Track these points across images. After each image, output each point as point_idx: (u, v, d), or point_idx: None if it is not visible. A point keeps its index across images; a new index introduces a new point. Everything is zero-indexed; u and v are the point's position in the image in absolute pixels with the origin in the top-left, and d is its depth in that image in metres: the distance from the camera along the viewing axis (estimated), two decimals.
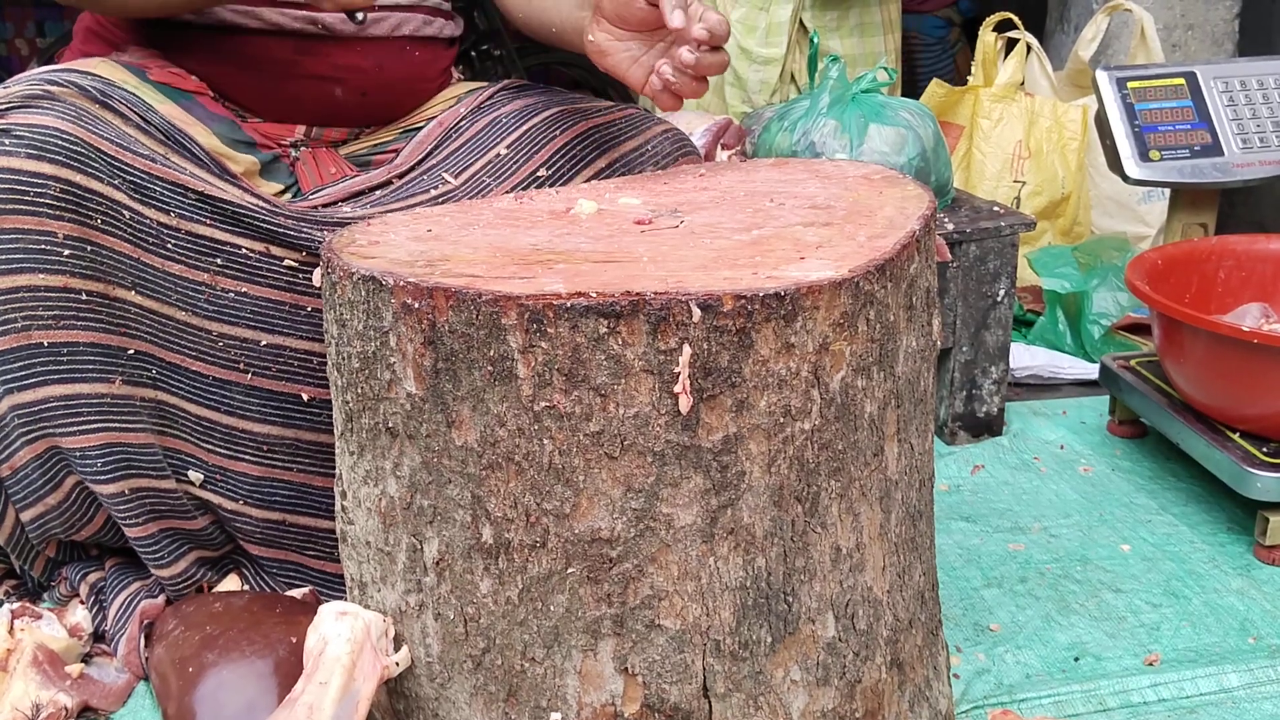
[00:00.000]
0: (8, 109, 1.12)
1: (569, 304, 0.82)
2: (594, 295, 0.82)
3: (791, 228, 1.00)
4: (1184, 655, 1.28)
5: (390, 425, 0.91)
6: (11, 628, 1.22)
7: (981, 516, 1.60)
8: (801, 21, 2.30)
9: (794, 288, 0.84)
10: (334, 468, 1.23)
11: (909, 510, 1.01)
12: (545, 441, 0.85)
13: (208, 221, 1.18)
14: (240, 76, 1.30)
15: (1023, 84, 2.49)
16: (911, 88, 3.32)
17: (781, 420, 0.86)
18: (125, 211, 1.15)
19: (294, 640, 1.13)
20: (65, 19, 3.72)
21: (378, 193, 1.32)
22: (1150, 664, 1.26)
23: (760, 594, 0.90)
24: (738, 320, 0.83)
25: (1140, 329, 2.11)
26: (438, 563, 0.92)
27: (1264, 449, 1.48)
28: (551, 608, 0.89)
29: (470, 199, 1.28)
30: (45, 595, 1.35)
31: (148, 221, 1.16)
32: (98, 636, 1.28)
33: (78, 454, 1.17)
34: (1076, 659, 1.28)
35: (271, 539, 1.28)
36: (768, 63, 2.31)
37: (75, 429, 1.16)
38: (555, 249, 0.95)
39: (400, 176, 1.34)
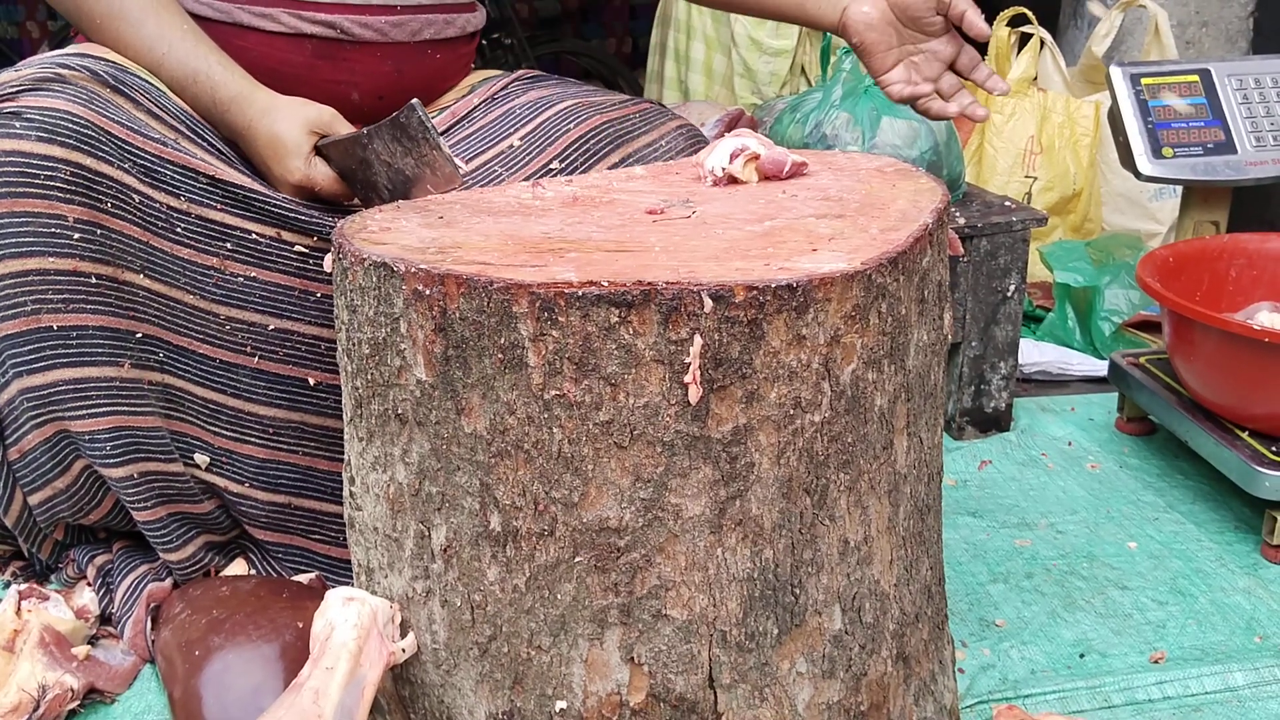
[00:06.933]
0: (19, 92, 1.12)
1: (580, 292, 0.82)
2: (606, 284, 0.82)
3: (804, 219, 0.99)
4: (1190, 653, 1.28)
5: (400, 412, 0.91)
6: (19, 609, 1.22)
7: (988, 512, 1.60)
8: None
9: (806, 279, 0.84)
10: (340, 452, 1.24)
11: (917, 504, 1.01)
12: (555, 430, 0.85)
13: (218, 206, 1.18)
14: (255, 79, 1.29)
15: (1035, 79, 2.48)
16: None
17: (791, 412, 0.86)
18: (135, 195, 1.15)
19: (300, 625, 1.13)
20: None
21: None
22: (1156, 661, 1.26)
23: (767, 585, 0.90)
24: (749, 311, 0.83)
25: (1150, 326, 2.10)
26: (445, 550, 0.92)
27: (1273, 448, 1.47)
28: (559, 596, 0.89)
29: (480, 187, 1.28)
30: (52, 577, 1.36)
31: (158, 206, 1.16)
32: (104, 619, 1.29)
33: (86, 437, 1.17)
34: (1082, 655, 1.28)
35: (277, 522, 1.28)
36: (778, 54, 2.30)
37: (84, 412, 1.17)
38: (567, 238, 0.95)
39: None
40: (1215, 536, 1.53)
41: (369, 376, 0.93)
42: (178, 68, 1.21)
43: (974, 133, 2.47)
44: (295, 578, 1.30)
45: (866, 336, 0.88)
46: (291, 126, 1.18)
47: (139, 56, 1.22)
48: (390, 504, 0.95)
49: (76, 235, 1.12)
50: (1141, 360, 1.76)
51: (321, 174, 1.19)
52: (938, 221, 0.99)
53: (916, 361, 0.96)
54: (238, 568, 1.31)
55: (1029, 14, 2.48)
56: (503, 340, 0.84)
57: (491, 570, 0.90)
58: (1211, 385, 1.55)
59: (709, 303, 0.82)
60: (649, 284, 0.82)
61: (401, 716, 1.03)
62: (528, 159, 1.32)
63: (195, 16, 1.26)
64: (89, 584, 1.31)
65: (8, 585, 1.34)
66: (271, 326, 1.21)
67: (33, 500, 1.24)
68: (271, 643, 1.12)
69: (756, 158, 1.13)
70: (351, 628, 0.93)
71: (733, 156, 1.12)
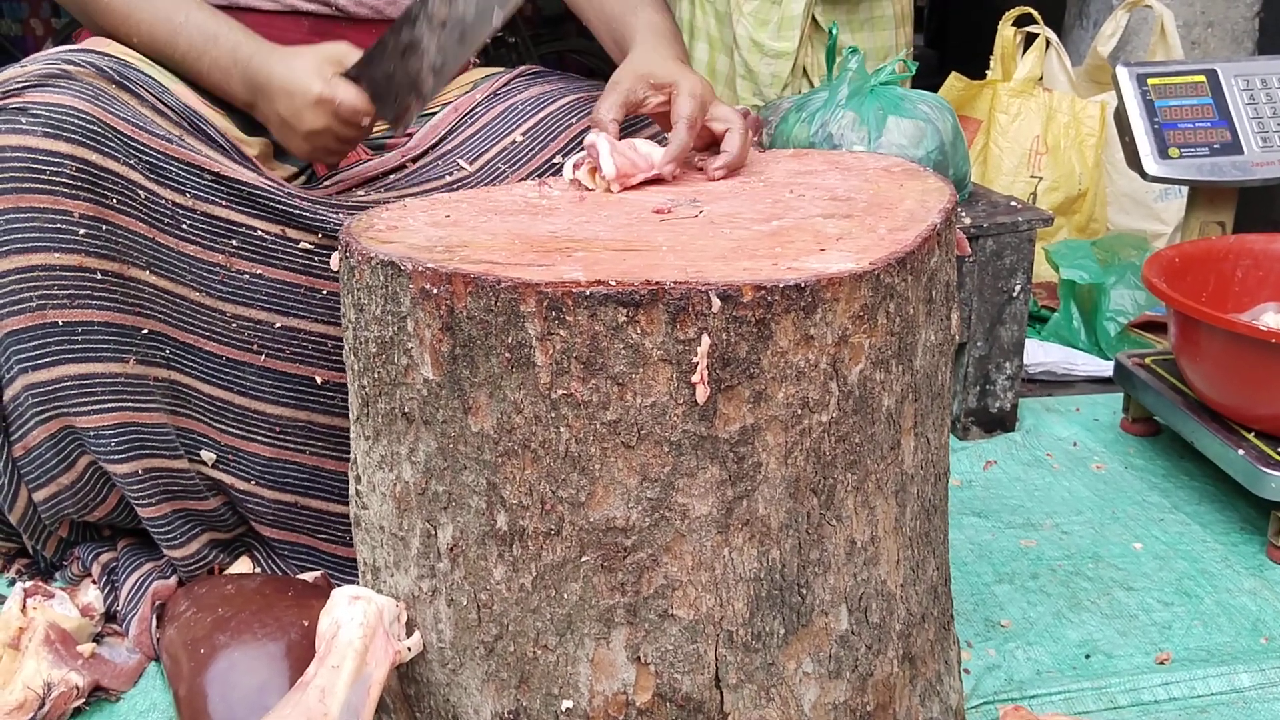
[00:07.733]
0: (25, 87, 1.12)
1: (588, 292, 0.82)
2: (613, 283, 0.82)
3: (811, 219, 0.99)
4: (1195, 654, 1.28)
5: (406, 410, 0.91)
6: (24, 606, 1.22)
7: (993, 512, 1.60)
8: (814, 16, 2.29)
9: (814, 279, 0.84)
10: (347, 451, 1.23)
11: (924, 504, 1.00)
12: (562, 429, 0.85)
13: (223, 203, 1.18)
14: None
15: (1041, 79, 2.48)
16: None
17: (799, 412, 0.86)
18: (141, 191, 1.15)
19: (306, 623, 1.13)
20: None
21: (391, 177, 1.32)
22: (1161, 662, 1.26)
23: (774, 585, 0.90)
24: (757, 311, 0.83)
25: (1155, 327, 2.10)
26: (452, 549, 0.92)
27: (1278, 449, 1.47)
28: (565, 596, 0.89)
29: (485, 185, 1.28)
30: (57, 575, 1.36)
31: (163, 202, 1.16)
32: (109, 617, 1.29)
33: (91, 434, 1.17)
34: (1087, 656, 1.28)
35: (283, 521, 1.28)
36: (780, 56, 2.30)
37: (89, 409, 1.17)
38: (574, 236, 0.95)
39: (414, 160, 1.34)
40: (1221, 537, 1.52)
41: (376, 375, 0.93)
42: (197, 32, 1.21)
43: (980, 132, 2.47)
44: (300, 576, 1.30)
45: (874, 336, 0.88)
46: (309, 61, 1.19)
47: (154, 28, 1.21)
48: (396, 503, 0.95)
49: (82, 231, 1.12)
50: (1147, 361, 1.76)
51: (344, 90, 1.18)
52: (945, 221, 0.98)
53: (924, 361, 0.96)
54: (243, 565, 1.31)
55: (1034, 14, 2.48)
56: (510, 339, 0.84)
57: (498, 569, 0.90)
58: (1217, 386, 1.55)
59: (717, 302, 0.82)
60: (656, 283, 0.82)
61: (407, 715, 1.03)
62: (531, 155, 1.32)
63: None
64: (94, 581, 1.31)
65: (13, 583, 1.34)
66: (278, 324, 1.21)
67: (37, 497, 1.24)
68: (277, 641, 1.12)
69: (596, 170, 1.12)
70: (357, 626, 0.93)
71: (575, 166, 1.13)
